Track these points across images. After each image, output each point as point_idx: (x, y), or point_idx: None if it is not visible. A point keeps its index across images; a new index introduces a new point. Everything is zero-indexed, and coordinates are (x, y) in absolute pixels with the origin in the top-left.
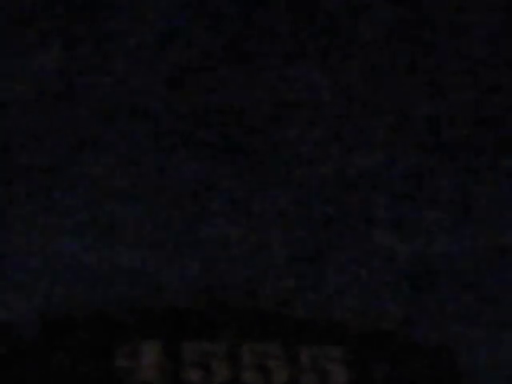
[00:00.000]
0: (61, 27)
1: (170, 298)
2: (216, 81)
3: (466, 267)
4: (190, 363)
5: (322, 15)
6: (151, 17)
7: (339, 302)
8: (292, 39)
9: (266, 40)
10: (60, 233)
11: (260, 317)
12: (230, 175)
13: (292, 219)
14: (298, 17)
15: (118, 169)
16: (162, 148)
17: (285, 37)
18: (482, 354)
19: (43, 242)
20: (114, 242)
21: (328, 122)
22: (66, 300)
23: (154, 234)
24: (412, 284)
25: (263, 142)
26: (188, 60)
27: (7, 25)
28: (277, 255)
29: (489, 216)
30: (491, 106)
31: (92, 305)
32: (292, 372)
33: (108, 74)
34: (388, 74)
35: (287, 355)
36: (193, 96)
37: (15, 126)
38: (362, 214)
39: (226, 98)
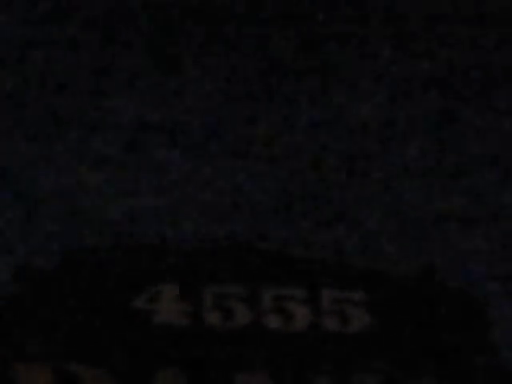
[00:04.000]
0: None
1: (190, 241)
2: None
3: None
4: (210, 306)
5: None
6: None
7: (367, 246)
8: None
9: None
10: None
11: (280, 260)
12: None
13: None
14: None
15: None
16: None
17: None
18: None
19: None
20: (139, 183)
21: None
22: (87, 240)
23: (178, 178)
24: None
25: None
26: None
27: None
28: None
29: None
30: None
31: (112, 247)
32: (313, 315)
33: None
34: None
35: (308, 298)
36: None
37: None
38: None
39: None
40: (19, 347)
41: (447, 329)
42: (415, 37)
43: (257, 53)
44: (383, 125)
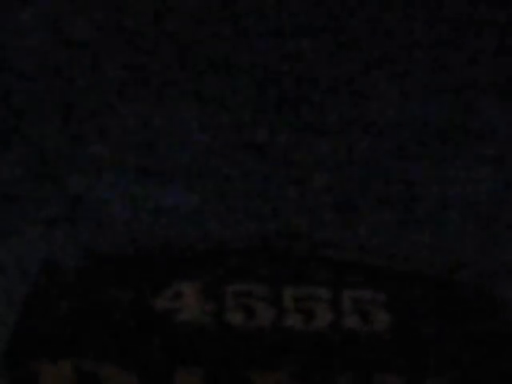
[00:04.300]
0: None
1: (212, 240)
2: None
3: None
4: (232, 305)
5: None
6: None
7: (385, 246)
8: None
9: None
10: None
11: (301, 260)
12: None
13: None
14: None
15: None
16: None
17: None
18: None
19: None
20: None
21: None
22: (110, 239)
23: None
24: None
25: None
26: None
27: None
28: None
29: None
30: None
31: (135, 245)
32: (334, 315)
33: None
34: None
35: (330, 298)
36: None
37: None
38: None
39: None
40: (44, 343)
41: (467, 330)
42: None
43: None
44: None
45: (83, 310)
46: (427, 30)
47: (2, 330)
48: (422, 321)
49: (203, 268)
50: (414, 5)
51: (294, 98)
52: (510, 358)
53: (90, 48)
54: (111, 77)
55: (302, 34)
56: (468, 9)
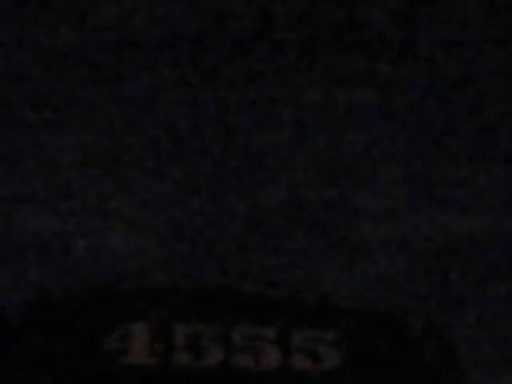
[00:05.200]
0: None
1: (160, 279)
2: None
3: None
4: (180, 345)
5: None
6: None
7: (335, 285)
8: None
9: None
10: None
11: (251, 299)
12: None
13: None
14: None
15: None
16: None
17: None
18: (477, 334)
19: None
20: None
21: None
22: (54, 281)
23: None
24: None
25: None
26: None
27: None
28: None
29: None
30: None
31: (80, 285)
32: (284, 354)
33: None
34: None
35: (279, 338)
36: None
37: None
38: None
39: None
40: None
41: (419, 370)
42: None
43: None
44: None
45: (28, 353)
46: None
47: None
48: (372, 358)
49: (152, 308)
50: None
51: None
52: None
53: None
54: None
55: None
56: None
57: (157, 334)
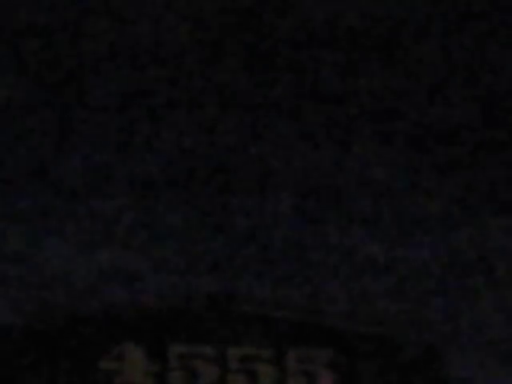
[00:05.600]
0: None
1: (156, 300)
2: None
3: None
4: (175, 366)
5: None
6: None
7: (329, 304)
8: None
9: None
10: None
11: (247, 320)
12: None
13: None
14: None
15: None
16: None
17: None
18: (470, 358)
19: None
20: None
21: None
22: (49, 304)
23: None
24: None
25: None
26: None
27: None
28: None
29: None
30: None
31: (77, 307)
32: (279, 375)
33: None
34: None
35: (275, 358)
36: None
37: None
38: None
39: None
40: None
41: None
42: None
43: None
44: None
45: (26, 373)
46: None
47: None
48: (367, 379)
49: (147, 329)
50: None
51: None
52: None
53: None
54: None
55: None
56: None
57: (152, 354)
